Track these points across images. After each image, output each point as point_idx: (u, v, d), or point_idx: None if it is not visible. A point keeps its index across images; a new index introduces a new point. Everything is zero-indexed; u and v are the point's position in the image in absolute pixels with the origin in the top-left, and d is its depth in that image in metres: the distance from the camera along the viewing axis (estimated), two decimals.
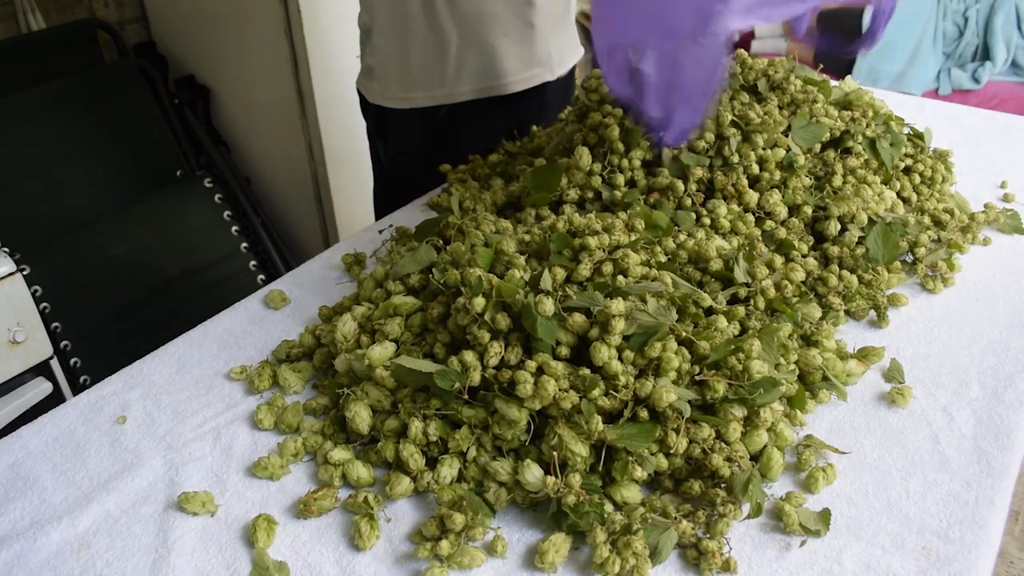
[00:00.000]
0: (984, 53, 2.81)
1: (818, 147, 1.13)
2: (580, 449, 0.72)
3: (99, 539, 0.73)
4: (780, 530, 0.72)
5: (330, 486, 0.77)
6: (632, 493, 0.73)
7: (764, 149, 1.07)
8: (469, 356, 0.77)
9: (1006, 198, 1.26)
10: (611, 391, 0.75)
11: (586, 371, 0.75)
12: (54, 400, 1.49)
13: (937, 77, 2.84)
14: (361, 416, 0.80)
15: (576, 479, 0.70)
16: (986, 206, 1.19)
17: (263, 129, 2.29)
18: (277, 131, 2.23)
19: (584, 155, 1.08)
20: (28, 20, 2.09)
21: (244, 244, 2.12)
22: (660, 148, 0.88)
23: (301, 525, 0.74)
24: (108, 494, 0.77)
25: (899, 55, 2.83)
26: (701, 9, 0.72)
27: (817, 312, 0.93)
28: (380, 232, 1.19)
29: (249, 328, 1.00)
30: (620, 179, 1.07)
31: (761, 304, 0.89)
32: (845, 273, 1.00)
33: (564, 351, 0.78)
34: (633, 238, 0.91)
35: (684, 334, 0.78)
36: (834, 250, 1.02)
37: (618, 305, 0.75)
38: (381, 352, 0.83)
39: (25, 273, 1.74)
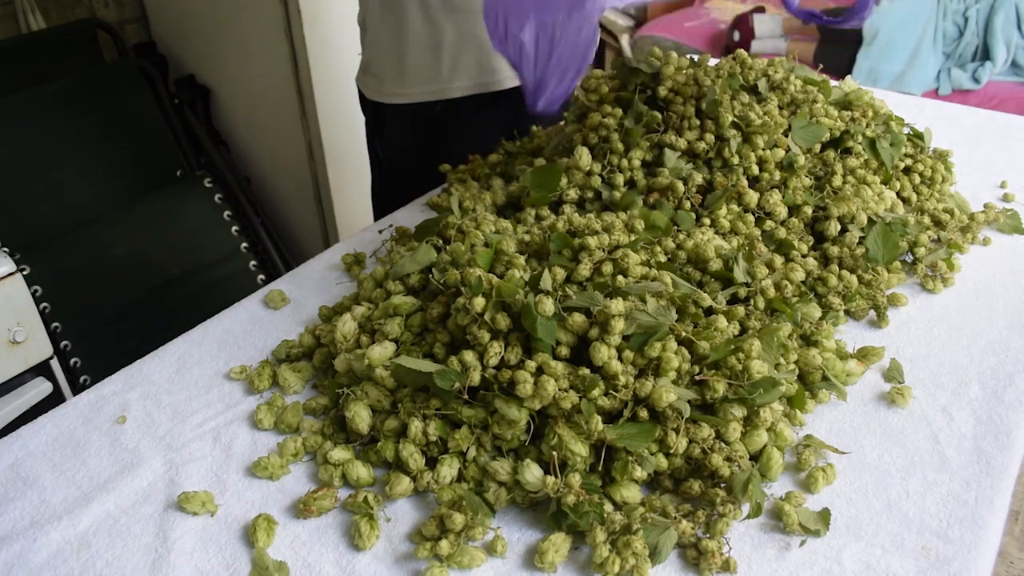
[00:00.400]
0: (984, 53, 2.81)
1: (818, 147, 1.13)
2: (580, 449, 0.72)
3: (99, 539, 0.73)
4: (780, 530, 0.72)
5: (330, 486, 0.77)
6: (632, 493, 0.73)
7: (764, 150, 1.07)
8: (469, 356, 0.77)
9: (1006, 198, 1.26)
10: (611, 391, 0.75)
11: (586, 371, 0.75)
12: (54, 400, 1.49)
13: (937, 77, 2.84)
14: (361, 416, 0.80)
15: (576, 479, 0.70)
16: (986, 206, 1.19)
17: (263, 129, 2.30)
18: (277, 131, 2.23)
19: (584, 155, 1.08)
20: (28, 20, 2.09)
21: (244, 244, 2.12)
22: (533, 112, 0.90)
23: (301, 525, 0.74)
24: (108, 494, 0.77)
25: (899, 55, 2.83)
26: None
27: (817, 312, 0.93)
28: (380, 232, 1.19)
29: (249, 328, 1.00)
30: (620, 179, 1.07)
31: (761, 304, 0.89)
32: (845, 273, 1.00)
33: (564, 351, 0.78)
34: (633, 238, 0.91)
35: (684, 334, 0.78)
36: (834, 250, 1.03)
37: (618, 305, 0.75)
38: (381, 352, 0.83)
39: (25, 273, 1.74)
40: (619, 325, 0.75)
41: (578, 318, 0.77)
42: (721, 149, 1.07)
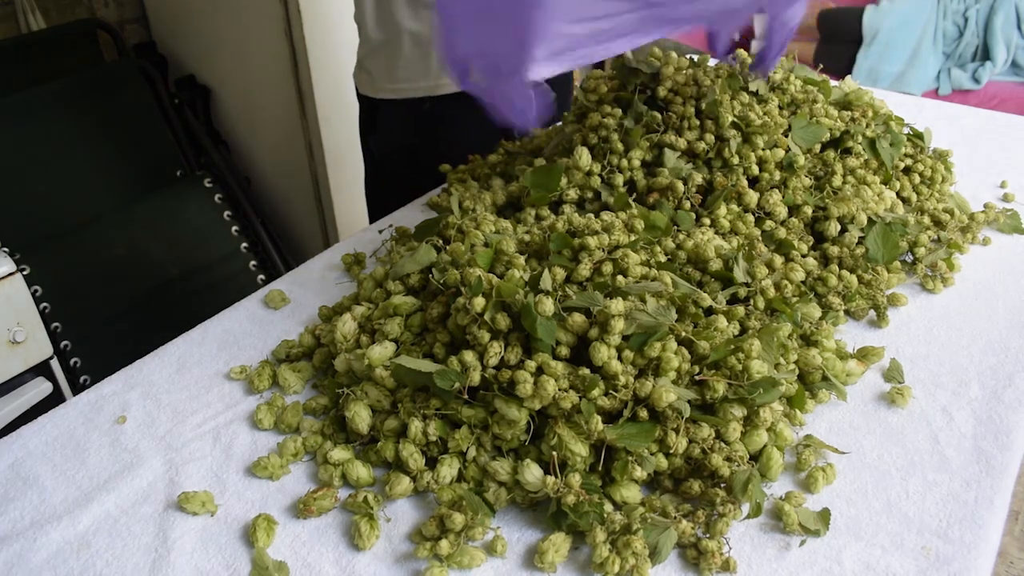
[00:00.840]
0: (984, 53, 2.81)
1: (818, 147, 1.13)
2: (580, 449, 0.72)
3: (99, 539, 0.73)
4: (780, 530, 0.72)
5: (330, 486, 0.77)
6: (632, 493, 0.73)
7: (764, 150, 1.07)
8: (469, 356, 0.77)
9: (1006, 198, 1.26)
10: (611, 391, 0.75)
11: (586, 371, 0.75)
12: (54, 400, 1.49)
13: (937, 77, 2.84)
14: (361, 416, 0.80)
15: (576, 479, 0.70)
16: (986, 206, 1.19)
17: (263, 129, 2.29)
18: (277, 131, 2.23)
19: (583, 155, 1.08)
20: (28, 20, 2.09)
21: (244, 244, 2.12)
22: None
23: (301, 525, 0.74)
24: (108, 494, 0.77)
25: (899, 55, 2.83)
26: (510, 55, 0.78)
27: (817, 312, 0.93)
28: (380, 232, 1.19)
29: (249, 328, 1.00)
30: (619, 179, 1.07)
31: (761, 304, 0.89)
32: (845, 273, 1.00)
33: (564, 351, 0.78)
34: (633, 238, 0.91)
35: (684, 334, 0.78)
36: (834, 250, 1.03)
37: (618, 305, 0.75)
38: (381, 352, 0.83)
39: (25, 273, 1.74)
40: (619, 325, 0.75)
41: (578, 318, 0.77)
42: (721, 149, 1.07)
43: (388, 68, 1.41)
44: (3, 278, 1.36)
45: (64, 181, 1.95)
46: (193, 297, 1.98)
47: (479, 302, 0.78)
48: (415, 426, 0.77)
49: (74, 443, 0.84)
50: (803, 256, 1.01)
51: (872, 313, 0.99)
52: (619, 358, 0.76)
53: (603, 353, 0.74)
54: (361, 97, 1.50)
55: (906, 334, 0.96)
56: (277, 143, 2.26)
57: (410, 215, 1.26)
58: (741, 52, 1.20)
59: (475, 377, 0.76)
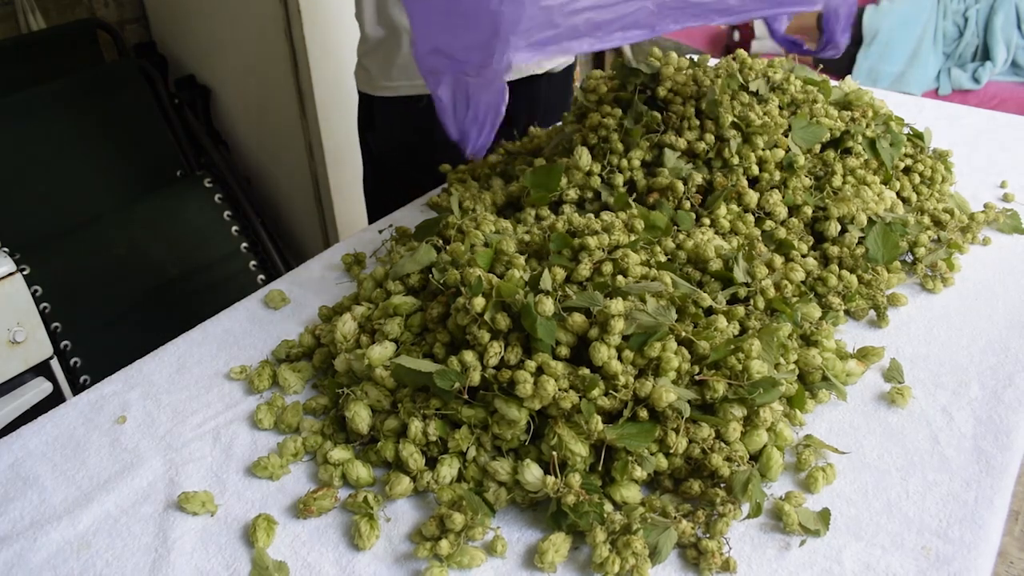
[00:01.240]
0: (984, 53, 2.81)
1: (818, 147, 1.13)
2: (580, 449, 0.72)
3: (99, 539, 0.73)
4: (780, 530, 0.72)
5: (330, 486, 0.77)
6: (632, 493, 0.73)
7: (764, 150, 1.07)
8: (469, 356, 0.77)
9: (1006, 198, 1.26)
10: (611, 391, 0.75)
11: (586, 371, 0.75)
12: (54, 400, 1.49)
13: (937, 77, 2.84)
14: (361, 416, 0.80)
15: (576, 479, 0.70)
16: (986, 206, 1.19)
17: (263, 129, 2.29)
18: (277, 131, 2.23)
19: (583, 155, 1.08)
20: (28, 20, 2.09)
21: (244, 244, 2.12)
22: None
23: (301, 525, 0.74)
24: (108, 494, 0.77)
25: (899, 55, 2.83)
26: (485, 45, 0.79)
27: (817, 312, 0.93)
28: (380, 232, 1.19)
29: (249, 328, 1.00)
30: (619, 179, 1.07)
31: (761, 304, 0.89)
32: (845, 273, 1.00)
33: (564, 351, 0.78)
34: (633, 238, 0.91)
35: (684, 334, 0.78)
36: (834, 250, 1.03)
37: (617, 305, 0.75)
38: (381, 352, 0.83)
39: (25, 273, 1.74)
40: (619, 325, 0.75)
41: (578, 318, 0.77)
42: (721, 149, 1.07)
43: (385, 66, 1.42)
44: (3, 278, 1.36)
45: (64, 181, 1.95)
46: (193, 297, 1.98)
47: (479, 302, 0.78)
48: (415, 426, 0.77)
49: (74, 443, 0.84)
50: (803, 256, 1.01)
51: (872, 313, 0.99)
52: (619, 358, 0.76)
53: (603, 353, 0.74)
54: (360, 94, 1.52)
55: (906, 334, 0.96)
56: (277, 143, 2.26)
57: (410, 215, 1.26)
58: (741, 52, 1.20)
59: (475, 377, 0.76)
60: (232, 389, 0.91)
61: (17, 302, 1.38)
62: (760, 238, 1.02)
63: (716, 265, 0.91)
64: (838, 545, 0.70)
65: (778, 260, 0.98)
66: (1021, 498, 1.90)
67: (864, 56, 2.86)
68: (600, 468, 0.74)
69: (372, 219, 1.64)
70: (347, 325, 0.89)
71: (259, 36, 2.07)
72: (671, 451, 0.73)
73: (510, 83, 1.48)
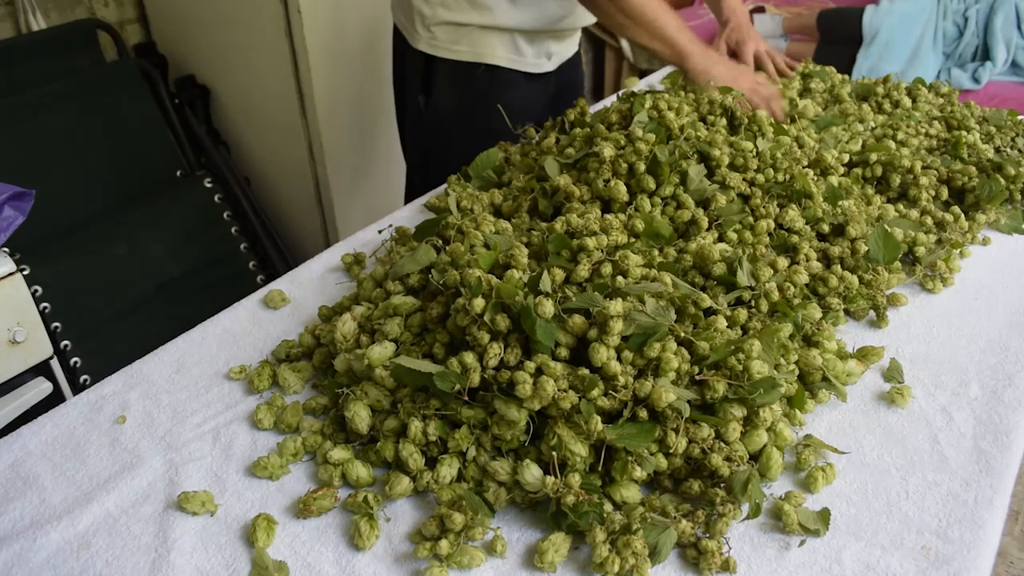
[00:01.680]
0: (984, 53, 2.81)
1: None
2: (579, 449, 0.72)
3: (99, 539, 0.73)
4: (779, 530, 0.72)
5: (330, 486, 0.77)
6: (632, 493, 0.73)
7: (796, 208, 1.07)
8: (469, 357, 0.77)
9: None
10: (610, 391, 0.75)
11: (585, 371, 0.75)
12: (54, 400, 1.49)
13: (937, 77, 2.84)
14: (361, 416, 0.80)
15: (575, 479, 0.70)
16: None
17: (263, 129, 2.29)
18: (277, 131, 2.23)
19: (620, 188, 1.03)
20: (28, 20, 2.09)
21: (244, 244, 2.12)
22: None
23: (301, 525, 0.74)
24: (108, 494, 0.77)
25: (899, 55, 2.83)
26: None
27: (817, 312, 0.92)
28: (380, 232, 1.19)
29: (249, 328, 1.00)
30: (646, 204, 1.03)
31: (764, 307, 0.89)
32: (845, 273, 1.00)
33: (563, 352, 0.78)
34: (631, 240, 0.91)
35: (683, 334, 0.78)
36: (835, 250, 1.02)
37: (616, 306, 0.75)
38: (381, 352, 0.83)
39: (25, 273, 1.74)
40: (618, 326, 0.75)
41: (577, 319, 0.77)
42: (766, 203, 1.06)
43: (456, 35, 1.50)
44: (3, 278, 1.36)
45: (64, 181, 1.95)
46: (193, 297, 1.98)
47: (479, 303, 0.78)
48: (415, 426, 0.77)
49: (74, 443, 0.84)
50: (808, 261, 1.00)
51: (872, 313, 0.99)
52: (618, 359, 0.76)
53: (602, 354, 0.74)
54: (422, 55, 1.56)
55: (906, 334, 0.96)
56: (277, 143, 2.26)
57: (410, 215, 1.27)
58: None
59: (475, 378, 0.76)
60: (232, 389, 0.91)
61: (17, 302, 1.38)
62: (769, 245, 1.01)
63: (720, 269, 0.91)
64: (838, 545, 0.70)
65: (782, 262, 0.97)
66: (1021, 498, 1.90)
67: (864, 56, 2.86)
68: (600, 468, 0.74)
69: (409, 184, 1.74)
70: (347, 325, 0.89)
71: (259, 36, 2.07)
72: (671, 451, 0.73)
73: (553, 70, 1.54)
